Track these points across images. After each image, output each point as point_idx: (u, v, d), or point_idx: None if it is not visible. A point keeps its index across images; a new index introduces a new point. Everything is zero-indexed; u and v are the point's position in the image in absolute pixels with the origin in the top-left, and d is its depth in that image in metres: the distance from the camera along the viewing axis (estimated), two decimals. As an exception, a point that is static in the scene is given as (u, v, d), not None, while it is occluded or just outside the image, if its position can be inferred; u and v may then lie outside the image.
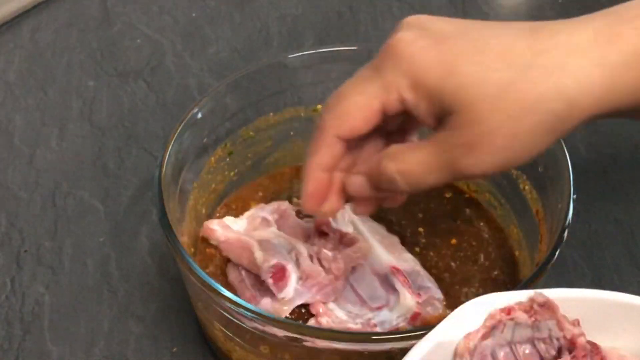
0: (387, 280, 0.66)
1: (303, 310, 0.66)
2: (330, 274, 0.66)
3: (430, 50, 0.53)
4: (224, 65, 0.91)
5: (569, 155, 0.65)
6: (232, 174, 0.74)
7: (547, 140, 0.52)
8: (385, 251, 0.68)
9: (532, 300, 0.51)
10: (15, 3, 0.95)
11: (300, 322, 0.65)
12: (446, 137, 0.52)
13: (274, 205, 0.72)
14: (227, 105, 0.71)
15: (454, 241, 0.71)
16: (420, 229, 0.72)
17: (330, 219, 0.68)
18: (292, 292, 0.65)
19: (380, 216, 0.72)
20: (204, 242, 0.70)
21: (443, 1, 0.99)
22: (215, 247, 0.69)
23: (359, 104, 0.55)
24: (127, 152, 0.83)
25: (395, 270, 0.66)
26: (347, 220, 0.69)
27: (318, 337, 0.56)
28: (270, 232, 0.68)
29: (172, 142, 0.66)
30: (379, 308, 0.65)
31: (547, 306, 0.51)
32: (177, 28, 0.96)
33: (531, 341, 0.51)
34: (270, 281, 0.64)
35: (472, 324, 0.50)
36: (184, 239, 0.66)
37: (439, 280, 0.67)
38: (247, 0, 0.99)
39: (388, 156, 0.55)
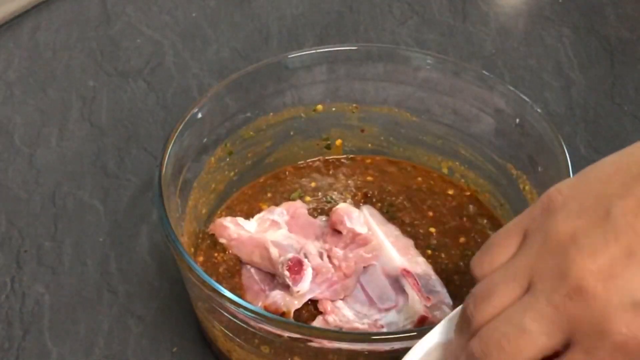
0: (397, 282, 0.66)
1: (311, 308, 0.66)
2: (339, 272, 0.66)
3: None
4: (224, 65, 0.91)
5: (569, 155, 0.65)
6: (232, 174, 0.74)
7: None
8: (397, 253, 0.68)
9: None
10: (15, 3, 0.95)
11: (301, 322, 0.65)
12: None
13: (285, 206, 0.72)
14: (227, 105, 0.71)
15: (462, 239, 0.71)
16: (432, 229, 0.72)
17: (345, 218, 0.69)
18: (308, 286, 0.65)
19: (394, 216, 0.72)
20: (204, 241, 0.70)
21: (443, 1, 0.99)
22: (220, 250, 0.70)
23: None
24: (127, 152, 0.83)
25: (406, 273, 0.66)
26: (362, 220, 0.70)
27: (317, 337, 0.56)
28: (280, 234, 0.69)
29: (172, 142, 0.66)
30: (387, 309, 0.65)
31: None
32: (177, 28, 0.96)
33: None
34: (287, 274, 0.65)
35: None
36: (184, 239, 0.66)
37: (449, 283, 0.67)
38: (247, 0, 0.99)
39: None
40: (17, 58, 0.92)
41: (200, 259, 0.69)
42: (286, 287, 0.65)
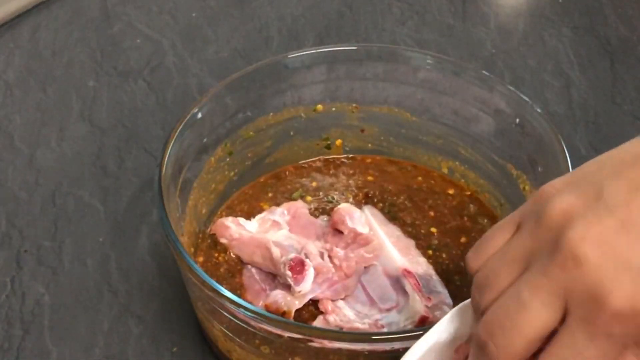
0: (398, 282, 0.67)
1: (312, 308, 0.66)
2: (340, 272, 0.66)
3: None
4: (224, 65, 0.91)
5: (569, 156, 0.65)
6: (232, 174, 0.74)
7: None
8: (399, 253, 0.68)
9: None
10: (15, 3, 0.95)
11: (300, 322, 0.65)
12: None
13: (286, 206, 0.72)
14: (227, 105, 0.71)
15: (463, 239, 0.71)
16: (433, 229, 0.72)
17: (347, 218, 0.69)
18: (310, 286, 0.65)
19: (395, 217, 0.72)
20: (204, 241, 0.70)
21: (443, 1, 0.99)
22: (221, 250, 0.70)
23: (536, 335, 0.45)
24: (127, 152, 0.83)
25: (407, 273, 0.66)
26: (363, 220, 0.70)
27: (318, 337, 0.56)
28: (281, 235, 0.69)
29: (172, 142, 0.66)
30: (388, 309, 0.65)
31: None
32: (177, 28, 0.96)
33: None
34: (289, 273, 0.65)
35: (469, 324, 0.50)
36: (184, 239, 0.66)
37: (449, 283, 0.67)
38: (247, 0, 0.99)
39: None
40: (17, 58, 0.92)
41: (200, 259, 0.69)
42: (287, 287, 0.66)
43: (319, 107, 0.75)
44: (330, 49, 0.74)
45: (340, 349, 0.57)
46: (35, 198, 0.79)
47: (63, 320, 0.70)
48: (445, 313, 0.64)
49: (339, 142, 0.77)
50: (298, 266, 0.65)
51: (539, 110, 0.69)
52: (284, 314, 0.65)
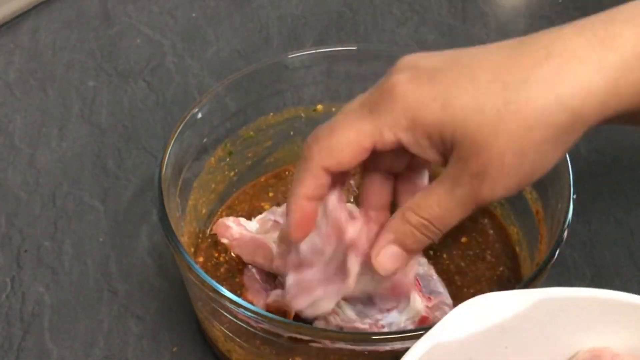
0: None
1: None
2: None
3: (424, 87, 0.52)
4: (224, 65, 0.91)
5: (569, 156, 0.65)
6: (232, 174, 0.74)
7: (556, 154, 0.52)
8: None
9: None
10: (15, 3, 0.95)
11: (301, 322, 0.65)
12: (456, 172, 0.52)
13: (285, 206, 0.72)
14: (227, 105, 0.71)
15: (464, 239, 0.71)
16: None
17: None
18: None
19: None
20: (204, 241, 0.70)
21: (442, 1, 0.99)
22: (222, 250, 0.70)
23: (349, 139, 0.54)
24: (127, 152, 0.83)
25: None
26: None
27: (318, 337, 0.56)
28: None
29: (172, 142, 0.66)
30: (388, 310, 0.65)
31: None
32: (177, 28, 0.96)
33: None
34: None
35: (469, 324, 0.50)
36: (184, 239, 0.66)
37: (450, 284, 0.67)
38: (247, 0, 0.99)
39: (410, 209, 0.54)
40: (17, 58, 0.92)
41: (200, 259, 0.69)
42: None
43: (319, 107, 0.75)
44: (330, 49, 0.74)
45: (340, 349, 0.57)
46: (35, 198, 0.79)
47: (63, 320, 0.70)
48: (445, 313, 0.64)
49: (339, 142, 0.77)
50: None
51: (539, 110, 0.69)
52: (284, 313, 0.65)
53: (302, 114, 0.75)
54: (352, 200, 0.74)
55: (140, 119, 0.86)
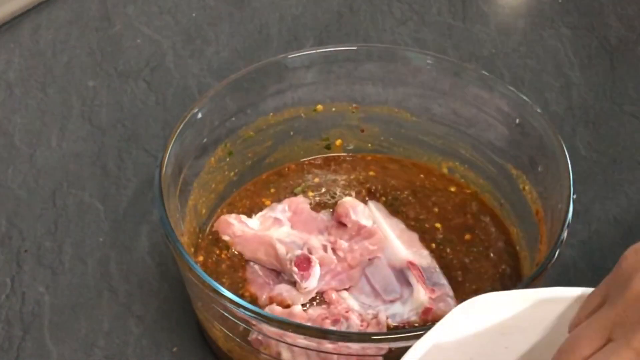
0: (402, 274, 0.67)
1: (317, 297, 0.66)
2: (344, 263, 0.66)
3: None
4: (224, 65, 0.91)
5: (569, 155, 0.65)
6: (232, 174, 0.74)
7: None
8: (403, 246, 0.69)
9: None
10: (15, 3, 0.95)
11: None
12: None
13: (286, 202, 0.72)
14: (227, 105, 0.71)
15: (467, 236, 0.71)
16: (438, 225, 0.72)
17: (351, 211, 0.69)
18: (316, 283, 0.65)
19: (398, 210, 0.73)
20: (204, 240, 0.70)
21: (442, 1, 0.99)
22: (223, 247, 0.70)
23: None
24: (127, 152, 0.83)
25: (411, 265, 0.66)
26: (367, 214, 0.70)
27: (318, 338, 0.56)
28: (282, 232, 0.69)
29: (172, 142, 0.66)
30: (392, 301, 0.66)
31: None
32: (177, 28, 0.96)
33: None
34: (295, 270, 0.65)
35: (469, 324, 0.50)
36: (184, 239, 0.66)
37: (451, 279, 0.68)
38: (247, 0, 0.99)
39: None
40: (17, 58, 0.92)
41: (200, 258, 0.69)
42: (292, 283, 0.66)
43: (319, 107, 0.75)
44: (330, 49, 0.74)
45: (341, 349, 0.57)
46: (35, 198, 0.79)
47: (63, 320, 0.70)
48: (448, 305, 0.64)
49: (339, 142, 0.77)
50: (304, 263, 0.65)
51: (539, 110, 0.69)
52: (288, 306, 0.65)
53: (302, 114, 0.75)
54: (353, 195, 0.74)
55: (140, 119, 0.86)
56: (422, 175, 0.76)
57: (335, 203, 0.72)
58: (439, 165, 0.76)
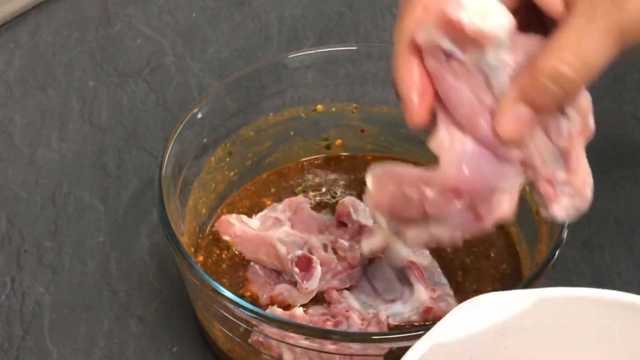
0: (403, 274, 0.67)
1: (318, 296, 0.66)
2: (344, 262, 0.66)
3: None
4: (224, 65, 0.91)
5: (569, 155, 0.65)
6: (232, 174, 0.74)
7: None
8: (403, 246, 0.68)
9: None
10: (15, 3, 0.95)
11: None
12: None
13: (286, 202, 0.72)
14: (227, 105, 0.71)
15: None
16: None
17: (351, 210, 0.69)
18: (317, 284, 0.65)
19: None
20: (204, 240, 0.71)
21: (443, 1, 0.98)
22: (224, 247, 0.70)
23: None
24: (127, 152, 0.83)
25: (412, 264, 0.66)
26: (367, 213, 0.70)
27: (318, 338, 0.56)
28: (282, 232, 0.69)
29: (172, 142, 0.66)
30: (392, 300, 0.66)
31: None
32: (177, 28, 0.96)
33: None
34: (296, 270, 0.65)
35: (469, 324, 0.50)
36: (184, 239, 0.66)
37: (451, 279, 0.68)
38: (247, 0, 0.99)
39: (542, 56, 0.45)
40: (17, 58, 0.92)
41: (200, 258, 0.69)
42: (293, 284, 0.66)
43: (319, 107, 0.75)
44: (330, 49, 0.74)
45: (341, 349, 0.57)
46: (35, 198, 0.79)
47: (63, 320, 0.70)
48: (449, 304, 0.64)
49: (339, 142, 0.77)
50: (305, 263, 0.65)
51: (539, 110, 0.69)
52: (288, 306, 0.65)
53: (302, 114, 0.75)
54: (353, 195, 0.74)
55: (140, 119, 0.86)
56: (422, 175, 0.76)
57: (336, 203, 0.72)
58: (439, 166, 0.76)
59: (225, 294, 0.57)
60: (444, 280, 0.67)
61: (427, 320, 0.64)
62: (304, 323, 0.62)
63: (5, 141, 0.84)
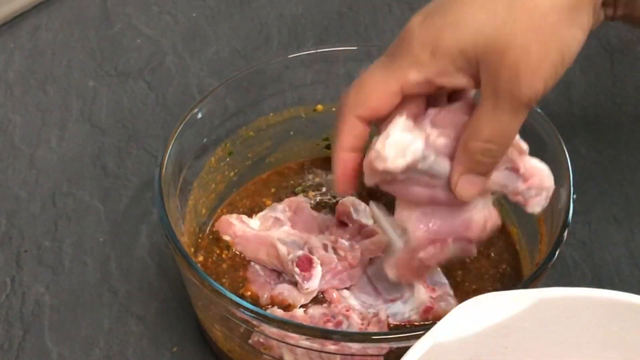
0: None
1: (319, 295, 0.66)
2: (344, 262, 0.66)
3: (435, 21, 0.55)
4: (224, 65, 0.91)
5: (569, 155, 0.65)
6: (232, 174, 0.74)
7: (576, 35, 0.54)
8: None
9: None
10: (15, 3, 0.95)
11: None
12: (492, 85, 0.53)
13: (286, 202, 0.72)
14: (227, 105, 0.71)
15: None
16: None
17: (352, 210, 0.69)
18: (318, 284, 0.65)
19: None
20: (204, 240, 0.71)
21: (443, 1, 0.98)
22: (224, 246, 0.70)
23: (377, 85, 0.57)
24: (127, 152, 0.83)
25: None
26: (367, 213, 0.70)
27: (319, 338, 0.56)
28: (282, 232, 0.69)
29: (172, 142, 0.66)
30: (392, 300, 0.66)
31: None
32: (177, 28, 0.96)
33: None
34: (297, 270, 0.65)
35: (469, 324, 0.50)
36: (184, 239, 0.66)
37: (451, 278, 0.68)
38: (247, 0, 0.99)
39: (468, 139, 0.55)
40: (17, 58, 0.92)
41: (200, 258, 0.69)
42: (293, 284, 0.66)
43: (319, 107, 0.75)
44: (330, 49, 0.74)
45: (342, 349, 0.57)
46: (35, 198, 0.79)
47: (63, 320, 0.70)
48: (449, 304, 0.64)
49: (339, 142, 0.77)
50: (306, 264, 0.65)
51: (539, 110, 0.69)
52: (289, 306, 0.65)
53: (302, 114, 0.75)
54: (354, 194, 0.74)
55: (140, 119, 0.86)
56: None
57: (336, 203, 0.72)
58: (439, 166, 0.76)
59: (225, 294, 0.57)
60: (444, 280, 0.67)
61: (427, 320, 0.64)
62: (305, 323, 0.62)
63: (5, 141, 0.84)
